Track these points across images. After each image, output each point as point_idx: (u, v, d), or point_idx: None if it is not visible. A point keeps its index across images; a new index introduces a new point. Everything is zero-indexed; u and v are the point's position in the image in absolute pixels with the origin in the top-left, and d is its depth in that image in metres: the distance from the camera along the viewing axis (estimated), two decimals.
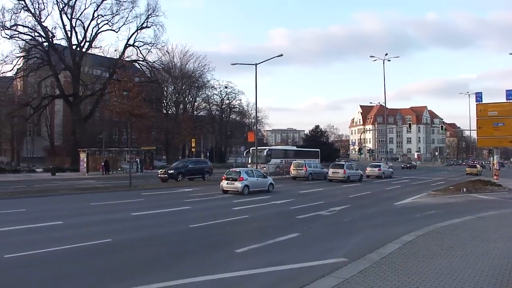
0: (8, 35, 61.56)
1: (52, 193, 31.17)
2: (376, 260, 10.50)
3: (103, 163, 57.49)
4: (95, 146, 66.68)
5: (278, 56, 49.99)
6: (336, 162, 59.25)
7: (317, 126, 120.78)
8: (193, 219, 18.81)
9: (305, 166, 49.94)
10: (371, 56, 73.94)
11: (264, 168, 51.57)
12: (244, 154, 63.18)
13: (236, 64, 53.73)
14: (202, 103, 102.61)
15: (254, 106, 61.97)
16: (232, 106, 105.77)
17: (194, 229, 16.52)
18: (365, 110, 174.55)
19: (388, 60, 73.64)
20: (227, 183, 32.08)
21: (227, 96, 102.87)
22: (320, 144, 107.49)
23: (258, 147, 58.48)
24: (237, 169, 35.40)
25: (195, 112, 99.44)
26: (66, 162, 65.77)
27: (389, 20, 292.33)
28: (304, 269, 10.47)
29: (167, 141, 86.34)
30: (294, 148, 72.35)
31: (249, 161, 59.61)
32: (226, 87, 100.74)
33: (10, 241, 14.23)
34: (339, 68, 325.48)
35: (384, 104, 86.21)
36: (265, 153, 58.91)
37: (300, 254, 12.13)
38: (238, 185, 31.37)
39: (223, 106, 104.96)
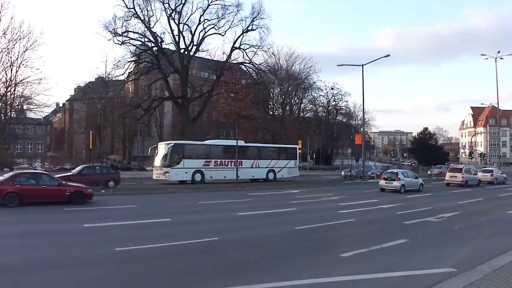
0: (119, 41, 64.48)
1: (161, 191, 32.35)
2: (488, 273, 10.04)
3: None
4: None
5: (385, 56, 49.19)
6: (454, 166, 54.31)
7: (425, 129, 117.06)
8: (298, 220, 18.89)
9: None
10: (482, 55, 70.34)
11: (167, 174, 39.17)
12: (149, 152, 46.18)
13: (342, 65, 53.29)
14: (308, 104, 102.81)
15: (361, 107, 61.31)
16: (339, 107, 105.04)
17: (299, 231, 16.59)
18: (476, 112, 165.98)
19: (501, 58, 69.55)
20: (385, 183, 35.62)
21: (333, 97, 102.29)
22: (428, 147, 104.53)
23: (160, 142, 44.96)
24: (395, 170, 38.95)
25: (301, 114, 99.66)
26: None
27: (500, 15, 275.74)
28: (410, 277, 10.23)
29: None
30: (235, 143, 43.42)
31: (155, 163, 41.99)
32: (332, 89, 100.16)
33: (121, 235, 15.11)
34: (447, 68, 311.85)
35: (496, 105, 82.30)
36: (166, 151, 40.31)
37: (406, 262, 11.86)
38: (396, 184, 34.97)
39: (329, 108, 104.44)
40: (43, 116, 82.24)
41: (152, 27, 65.86)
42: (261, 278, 9.82)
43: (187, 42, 68.58)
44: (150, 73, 69.55)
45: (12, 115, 64.56)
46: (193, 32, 68.25)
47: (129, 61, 66.41)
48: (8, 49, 59.10)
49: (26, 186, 22.42)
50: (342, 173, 57.60)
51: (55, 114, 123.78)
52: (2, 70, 59.49)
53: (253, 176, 44.93)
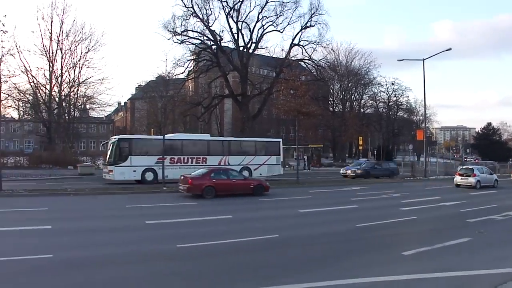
0: (179, 40, 65.53)
1: None
2: None
3: None
4: None
5: (446, 50, 48.14)
6: None
7: (489, 124, 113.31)
8: (359, 218, 18.86)
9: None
10: None
11: (111, 173, 34.81)
12: (101, 147, 41.49)
13: (402, 60, 52.57)
14: (368, 100, 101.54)
15: (422, 102, 60.25)
16: (399, 103, 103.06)
17: (360, 228, 16.61)
18: None
19: None
20: (460, 179, 36.29)
21: (394, 93, 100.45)
22: (492, 143, 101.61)
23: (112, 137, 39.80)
24: (470, 166, 39.28)
25: (361, 110, 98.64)
26: None
27: None
28: (474, 277, 10.12)
29: (334, 139, 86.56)
30: (200, 137, 43.37)
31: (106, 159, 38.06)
32: (392, 84, 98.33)
33: (182, 232, 15.45)
34: (510, 61, 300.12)
35: None
36: (111, 146, 36.39)
37: (470, 261, 11.74)
38: (472, 180, 35.55)
39: (390, 103, 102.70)
40: (106, 115, 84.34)
41: (211, 26, 66.66)
42: (320, 275, 9.93)
43: (246, 39, 69.03)
44: (210, 71, 70.31)
45: (75, 114, 66.51)
46: (251, 29, 68.67)
47: (188, 60, 67.44)
48: (71, 50, 61.04)
49: (220, 181, 26.61)
50: (341, 171, 49.96)
51: (117, 113, 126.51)
52: (66, 71, 61.50)
53: None
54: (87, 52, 61.13)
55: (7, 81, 29.40)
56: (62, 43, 60.35)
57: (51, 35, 59.22)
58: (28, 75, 56.60)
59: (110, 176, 34.71)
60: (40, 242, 13.48)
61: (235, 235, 14.37)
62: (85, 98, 64.77)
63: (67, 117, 63.99)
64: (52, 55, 59.77)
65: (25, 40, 69.01)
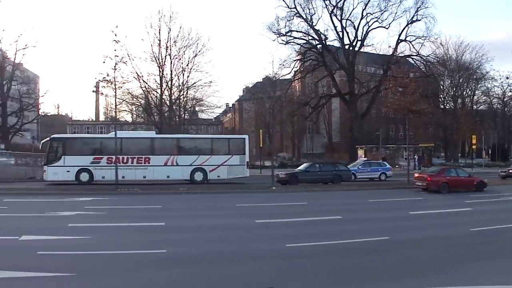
0: (284, 41, 66.14)
1: (331, 189, 32.99)
2: None
3: (381, 160, 58.08)
4: (372, 143, 67.81)
5: None
6: None
7: None
8: (474, 221, 17.96)
9: None
10: None
11: (44, 173, 33.97)
12: (41, 147, 37.82)
13: None
14: (481, 96, 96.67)
15: None
16: None
17: (474, 233, 15.83)
18: None
19: None
20: None
21: (509, 87, 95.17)
22: None
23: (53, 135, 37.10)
24: None
25: (474, 107, 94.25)
26: (344, 158, 67.60)
27: None
28: None
29: (445, 137, 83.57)
30: (147, 134, 41.92)
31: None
32: (507, 78, 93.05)
33: (292, 232, 15.60)
34: None
35: None
36: (44, 146, 35.94)
37: None
38: None
39: (505, 99, 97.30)
40: (215, 116, 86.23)
41: (315, 25, 66.69)
42: (431, 282, 9.62)
43: (351, 37, 68.36)
44: (316, 70, 70.36)
45: (185, 117, 68.48)
46: (356, 27, 67.90)
47: (294, 60, 67.81)
48: (179, 55, 62.77)
49: (452, 178, 30.92)
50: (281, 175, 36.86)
51: (225, 114, 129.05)
52: (175, 76, 63.41)
53: (168, 177, 35.50)
54: (194, 56, 62.68)
55: (121, 87, 31.49)
56: (170, 49, 62.24)
57: (159, 42, 61.30)
58: (140, 81, 59.16)
59: (44, 177, 34.15)
60: (155, 238, 14.23)
61: (344, 236, 14.10)
62: (194, 101, 66.69)
63: (177, 119, 65.91)
64: (162, 61, 61.88)
65: (136, 48, 72.24)
